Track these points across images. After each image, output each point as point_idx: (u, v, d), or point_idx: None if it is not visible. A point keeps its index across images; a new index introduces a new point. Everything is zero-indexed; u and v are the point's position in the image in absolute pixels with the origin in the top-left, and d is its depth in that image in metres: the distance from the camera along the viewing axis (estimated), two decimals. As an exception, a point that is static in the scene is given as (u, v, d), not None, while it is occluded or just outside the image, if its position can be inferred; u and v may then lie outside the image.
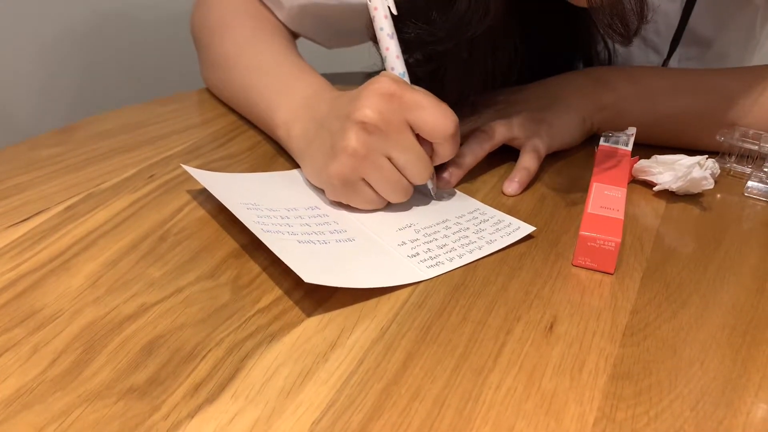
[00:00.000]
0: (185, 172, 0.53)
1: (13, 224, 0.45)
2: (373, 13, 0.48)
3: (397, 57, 0.48)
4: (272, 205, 0.46)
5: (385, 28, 0.47)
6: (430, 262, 0.42)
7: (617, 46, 0.62)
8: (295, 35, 0.66)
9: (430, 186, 0.50)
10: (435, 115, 0.44)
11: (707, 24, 0.65)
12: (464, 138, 0.53)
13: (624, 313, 0.40)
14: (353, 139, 0.44)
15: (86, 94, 1.04)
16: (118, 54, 1.06)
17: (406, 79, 0.48)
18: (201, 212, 0.47)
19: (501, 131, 0.53)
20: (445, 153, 0.46)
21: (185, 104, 0.66)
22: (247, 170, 0.54)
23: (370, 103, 0.44)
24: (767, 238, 0.49)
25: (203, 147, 0.57)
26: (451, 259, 0.43)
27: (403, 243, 0.44)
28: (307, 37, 0.67)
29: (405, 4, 0.48)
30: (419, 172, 0.46)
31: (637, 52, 0.66)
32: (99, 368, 0.34)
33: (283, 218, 0.44)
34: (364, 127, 0.44)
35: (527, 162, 0.53)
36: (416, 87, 0.46)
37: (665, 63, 0.67)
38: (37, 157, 0.54)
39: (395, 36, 0.48)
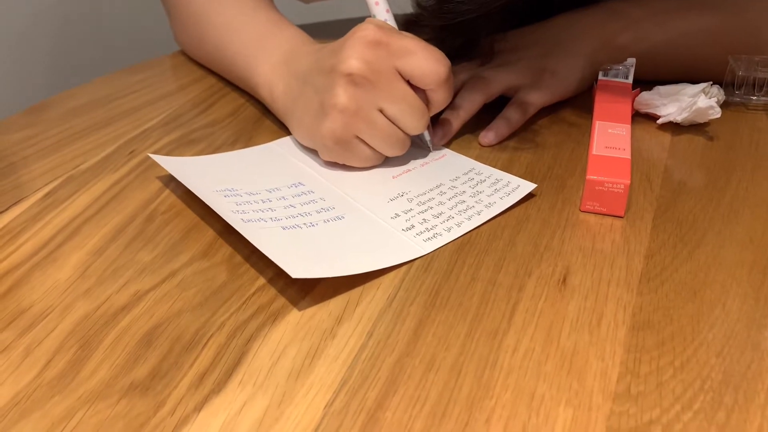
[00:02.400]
0: (167, 145, 0.50)
1: (-9, 217, 0.43)
2: None
3: (387, 11, 0.44)
4: (252, 187, 0.43)
5: None
6: (426, 235, 0.40)
7: None
8: None
9: (427, 137, 0.48)
10: (426, 60, 0.41)
11: None
12: (461, 87, 0.50)
13: (638, 258, 0.38)
14: (341, 94, 0.41)
15: (53, 67, 1.00)
16: (82, 20, 1.02)
17: (393, 24, 0.45)
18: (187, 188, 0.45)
19: (499, 80, 0.50)
20: (439, 100, 0.44)
21: (160, 70, 0.63)
22: (231, 137, 0.51)
23: (355, 52, 0.41)
24: (779, 164, 0.47)
25: (183, 115, 0.55)
26: (449, 229, 0.40)
27: (396, 215, 0.42)
28: None
29: None
30: (414, 121, 0.43)
31: None
32: (97, 366, 0.32)
33: (264, 202, 0.42)
34: (352, 79, 0.41)
35: (510, 113, 0.50)
36: (404, 32, 0.43)
37: None
38: (7, 142, 0.51)
39: None
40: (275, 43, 0.50)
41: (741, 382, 0.31)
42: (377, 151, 0.44)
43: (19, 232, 0.41)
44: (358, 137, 0.43)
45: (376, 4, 0.44)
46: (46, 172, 0.47)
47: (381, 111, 0.42)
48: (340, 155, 0.44)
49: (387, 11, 0.45)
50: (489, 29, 0.51)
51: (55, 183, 0.46)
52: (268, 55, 0.49)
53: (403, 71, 0.42)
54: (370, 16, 0.45)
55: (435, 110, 0.45)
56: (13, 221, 0.42)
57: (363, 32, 0.41)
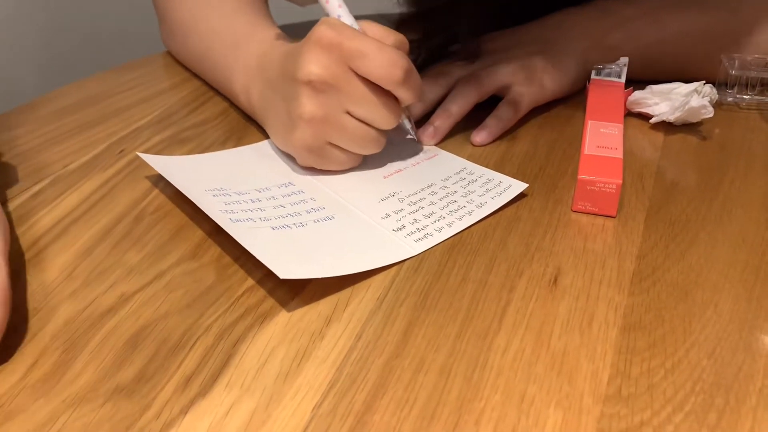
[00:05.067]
0: (157, 145, 0.50)
1: (-22, 217, 0.42)
2: None
3: (339, 6, 0.43)
4: (241, 187, 0.43)
5: None
6: (417, 235, 0.40)
7: None
8: None
9: (408, 126, 0.47)
10: (378, 63, 0.40)
11: None
12: (453, 86, 0.50)
13: (630, 258, 0.38)
14: (306, 103, 0.40)
15: (44, 65, 1.00)
16: (78, 19, 1.01)
17: (351, 21, 0.43)
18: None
19: (491, 79, 0.50)
20: (404, 98, 0.42)
21: (151, 69, 0.62)
22: (222, 136, 0.51)
23: (311, 57, 0.40)
24: (772, 164, 0.47)
25: (174, 115, 0.54)
26: (440, 229, 0.40)
27: (387, 215, 0.41)
28: None
29: None
30: (383, 119, 0.42)
31: None
32: (82, 369, 0.31)
33: (254, 201, 0.41)
34: (313, 86, 0.40)
35: (502, 111, 0.49)
36: (363, 27, 0.42)
37: None
38: (-3, 141, 0.51)
39: None
40: (250, 48, 0.49)
41: (732, 383, 0.30)
42: (353, 153, 0.44)
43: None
44: (330, 143, 0.42)
45: (327, 2, 0.43)
46: (36, 171, 0.47)
47: (349, 113, 0.41)
48: (316, 162, 0.44)
49: (340, 6, 0.43)
50: (476, 28, 0.51)
51: (45, 182, 0.45)
52: (243, 61, 0.49)
53: (359, 73, 0.41)
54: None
55: (405, 104, 0.44)
56: (0, 221, 0.42)
57: (317, 35, 0.40)
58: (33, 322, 0.34)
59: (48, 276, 0.37)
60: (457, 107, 0.49)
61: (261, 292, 0.36)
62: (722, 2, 0.54)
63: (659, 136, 0.50)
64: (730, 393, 0.30)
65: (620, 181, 0.40)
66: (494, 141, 0.50)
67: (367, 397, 0.30)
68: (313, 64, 0.40)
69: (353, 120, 0.42)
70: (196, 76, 0.60)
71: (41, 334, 0.33)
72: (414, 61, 0.42)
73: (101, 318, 0.34)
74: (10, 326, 0.34)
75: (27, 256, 0.39)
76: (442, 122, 0.49)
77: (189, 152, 0.49)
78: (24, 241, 0.40)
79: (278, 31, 0.51)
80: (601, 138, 0.44)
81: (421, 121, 0.50)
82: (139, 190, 0.44)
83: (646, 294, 0.35)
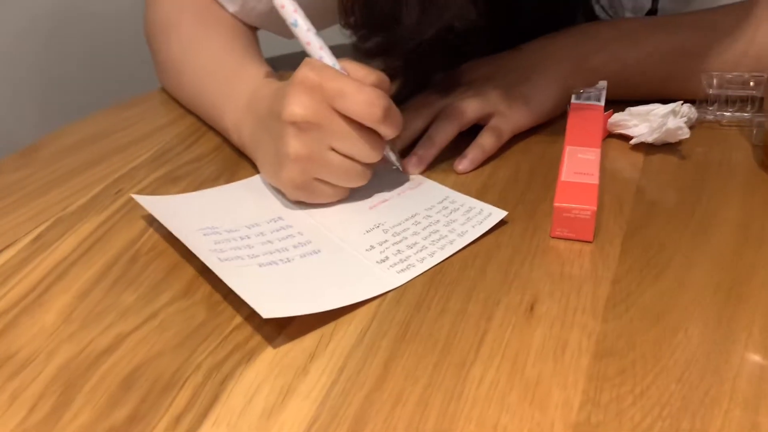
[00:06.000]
0: (152, 183, 0.52)
1: (-17, 262, 0.44)
2: (280, 11, 0.45)
3: (321, 48, 0.45)
4: (231, 224, 0.44)
5: (299, 23, 0.45)
6: (400, 266, 0.41)
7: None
8: (254, 27, 0.63)
9: (392, 158, 0.48)
10: (358, 103, 0.42)
11: None
12: (437, 116, 0.52)
13: (605, 283, 0.39)
14: (291, 143, 0.42)
15: (48, 100, 1.02)
16: (77, 56, 1.04)
17: (332, 61, 0.45)
18: (171, 225, 0.47)
19: (473, 108, 0.51)
20: (385, 134, 0.44)
21: (148, 106, 0.64)
22: (215, 172, 0.53)
23: (295, 99, 0.42)
24: (748, 183, 0.48)
25: (169, 152, 0.56)
26: (422, 260, 0.42)
27: (371, 247, 0.43)
28: (266, 29, 0.64)
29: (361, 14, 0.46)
30: (366, 153, 0.44)
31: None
32: (78, 410, 0.33)
33: (242, 239, 0.43)
34: (298, 126, 0.42)
35: (484, 139, 0.51)
36: (343, 67, 0.44)
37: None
38: (2, 184, 0.53)
39: (312, 27, 0.45)
40: (240, 87, 0.51)
41: (699, 408, 0.31)
42: (339, 187, 0.45)
43: (9, 276, 0.43)
44: (317, 179, 0.44)
45: (308, 44, 0.45)
46: (37, 215, 0.49)
47: (333, 149, 0.43)
48: (305, 197, 0.45)
49: (321, 48, 0.45)
50: (456, 57, 0.52)
51: (45, 225, 0.48)
52: (234, 100, 0.51)
53: (340, 111, 0.42)
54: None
55: (387, 139, 0.45)
56: (3, 265, 0.44)
57: (299, 77, 0.42)
58: (34, 365, 0.36)
59: (48, 319, 0.39)
60: (440, 137, 0.50)
61: (248, 329, 0.38)
62: (699, 21, 0.55)
63: (639, 157, 0.51)
64: (696, 417, 0.31)
65: (595, 208, 0.42)
66: (477, 168, 0.51)
67: (347, 431, 0.31)
68: (297, 104, 0.42)
69: (338, 156, 0.44)
70: (191, 111, 0.62)
71: (41, 377, 0.35)
72: (395, 97, 0.44)
73: (97, 359, 0.36)
74: (13, 369, 0.36)
75: (29, 299, 0.41)
76: (425, 151, 0.50)
77: (183, 190, 0.50)
78: (25, 285, 0.42)
79: (267, 68, 0.53)
80: (579, 164, 0.45)
81: (405, 151, 0.51)
82: (134, 231, 0.46)
83: (619, 320, 0.37)
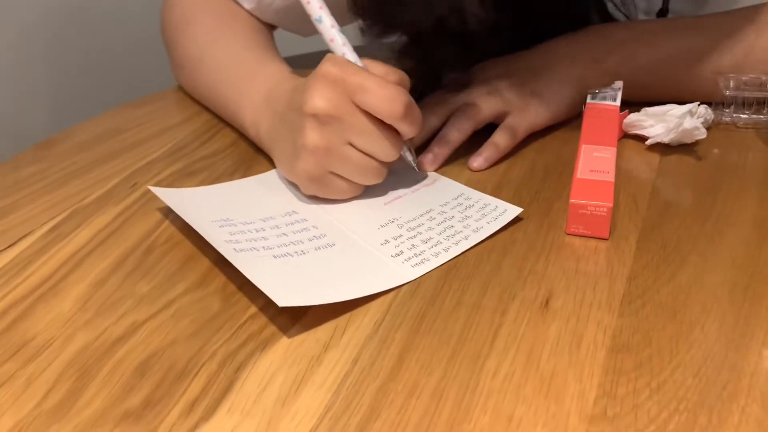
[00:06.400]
0: (168, 177, 0.52)
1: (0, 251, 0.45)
2: (306, 6, 0.45)
3: (344, 45, 0.45)
4: (247, 217, 0.45)
5: (324, 19, 0.45)
6: (414, 260, 0.41)
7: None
8: (271, 26, 0.64)
9: (409, 158, 0.48)
10: (380, 99, 0.42)
11: None
12: (452, 113, 0.52)
13: (621, 280, 0.39)
14: (310, 134, 0.42)
15: (66, 96, 1.03)
16: (91, 54, 1.05)
17: (354, 58, 0.45)
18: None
19: (488, 107, 0.51)
20: (405, 131, 0.44)
21: (163, 104, 0.65)
22: (231, 167, 0.53)
23: (317, 92, 0.42)
24: (764, 185, 0.47)
25: (185, 147, 0.57)
26: (436, 254, 0.41)
27: (386, 241, 0.43)
28: (282, 27, 0.65)
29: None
30: (384, 151, 0.44)
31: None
32: (93, 395, 0.33)
33: (258, 231, 0.43)
34: (318, 119, 0.42)
35: (498, 138, 0.51)
36: (365, 65, 0.44)
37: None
38: (19, 176, 0.53)
39: (336, 24, 0.45)
40: (258, 83, 0.51)
41: (716, 402, 0.31)
42: (354, 183, 0.45)
43: (26, 266, 0.43)
44: (332, 173, 0.44)
45: (332, 41, 0.45)
46: (54, 206, 0.49)
47: (352, 144, 0.43)
48: (319, 191, 0.45)
49: (344, 45, 0.45)
50: (470, 56, 0.52)
51: (61, 216, 0.48)
52: (252, 95, 0.51)
53: (361, 107, 0.42)
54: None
55: (406, 138, 0.45)
56: (20, 254, 0.44)
57: (322, 71, 0.42)
58: (50, 351, 0.36)
59: (64, 306, 0.39)
60: (454, 135, 0.50)
61: (263, 319, 0.38)
62: (715, 24, 0.55)
63: (655, 157, 0.51)
64: (713, 412, 0.31)
65: (611, 204, 0.41)
66: (491, 166, 0.51)
67: (361, 420, 0.31)
68: (318, 98, 0.42)
69: (355, 151, 0.44)
70: (206, 109, 0.62)
71: (57, 363, 0.35)
72: (414, 95, 0.44)
73: (113, 346, 0.36)
74: (29, 355, 0.36)
75: (45, 287, 0.41)
76: (440, 149, 0.50)
77: (199, 183, 0.51)
78: (42, 274, 0.42)
79: (285, 66, 0.53)
80: (594, 162, 0.45)
81: (419, 149, 0.51)
82: (150, 222, 0.47)
83: (635, 315, 0.36)
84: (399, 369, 0.34)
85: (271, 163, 0.52)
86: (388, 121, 0.43)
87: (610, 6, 0.58)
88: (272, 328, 0.37)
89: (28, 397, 0.33)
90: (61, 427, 0.32)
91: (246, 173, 0.52)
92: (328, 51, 0.46)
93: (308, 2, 0.45)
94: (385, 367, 0.34)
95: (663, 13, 0.60)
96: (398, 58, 0.50)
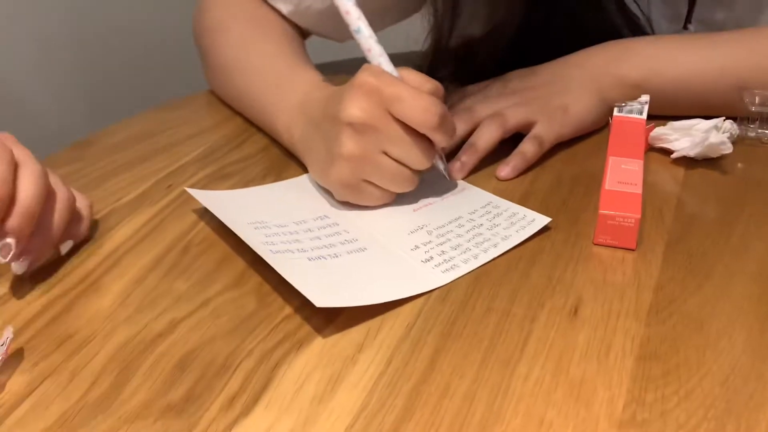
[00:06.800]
0: (201, 180, 0.53)
1: (40, 247, 0.46)
2: (345, 17, 0.46)
3: (380, 55, 0.46)
4: (280, 220, 0.46)
5: (362, 30, 0.46)
6: (444, 266, 0.42)
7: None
8: (304, 33, 0.65)
9: (441, 167, 0.49)
10: (415, 109, 0.43)
11: None
12: (480, 123, 0.53)
13: (648, 290, 0.40)
14: (346, 142, 0.44)
15: (98, 99, 1.06)
16: (127, 56, 1.07)
17: (390, 68, 0.46)
18: (221, 220, 0.48)
19: (516, 117, 0.52)
20: (438, 141, 0.45)
21: (195, 107, 0.66)
22: (263, 171, 0.54)
23: (353, 101, 0.43)
24: (791, 198, 0.48)
25: (217, 151, 0.58)
26: (466, 261, 0.42)
27: (416, 247, 0.44)
28: (318, 33, 0.66)
29: None
30: (418, 160, 0.45)
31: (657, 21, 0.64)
32: (136, 388, 0.35)
33: (291, 234, 0.44)
34: (354, 127, 0.43)
35: (526, 148, 0.52)
36: (402, 74, 0.45)
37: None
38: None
39: (374, 35, 0.47)
40: (293, 89, 0.53)
41: (743, 411, 0.32)
42: (387, 190, 0.46)
43: (66, 262, 0.44)
44: (366, 180, 0.45)
45: (369, 51, 0.47)
46: (91, 204, 0.51)
47: (386, 153, 0.44)
48: (352, 197, 0.47)
49: (380, 55, 0.46)
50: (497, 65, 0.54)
51: (100, 215, 0.49)
52: (287, 100, 0.53)
53: (396, 116, 0.44)
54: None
55: (440, 147, 0.47)
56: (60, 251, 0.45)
57: (359, 81, 0.44)
58: (92, 345, 0.37)
59: (104, 302, 0.41)
60: (482, 143, 0.51)
61: (298, 319, 0.39)
62: (740, 40, 0.56)
63: (680, 171, 0.52)
64: (741, 420, 0.31)
65: (639, 216, 0.42)
66: (518, 175, 0.52)
67: (395, 419, 0.32)
68: (355, 107, 0.43)
69: (389, 160, 0.45)
70: (237, 114, 0.63)
71: (99, 356, 0.37)
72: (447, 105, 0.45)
73: (153, 342, 0.37)
74: (72, 348, 0.37)
75: (86, 283, 0.42)
76: (468, 158, 0.51)
77: (231, 187, 0.52)
78: (82, 270, 0.44)
79: (318, 74, 0.54)
80: (622, 174, 0.46)
81: (447, 157, 0.52)
82: (185, 223, 0.48)
83: (663, 325, 0.37)
84: (431, 371, 0.35)
85: (302, 169, 0.53)
86: (422, 131, 0.44)
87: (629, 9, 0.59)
88: (307, 328, 0.38)
89: (73, 388, 0.35)
90: (106, 417, 0.33)
91: (277, 178, 0.53)
92: (351, 60, 0.48)
93: (347, 12, 0.46)
94: (418, 369, 0.35)
95: (688, 18, 0.60)
96: (430, 67, 0.51)
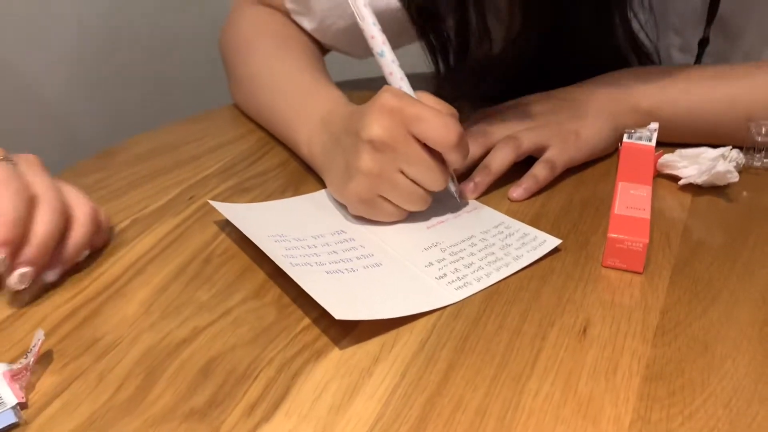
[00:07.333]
0: (222, 192, 0.55)
1: (67, 254, 0.47)
2: (370, 41, 0.48)
3: (401, 79, 0.49)
4: (299, 234, 0.48)
5: (386, 53, 0.48)
6: (458, 284, 0.44)
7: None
8: (325, 50, 0.67)
9: (452, 188, 0.51)
10: (435, 128, 0.45)
11: (736, 12, 0.64)
12: (494, 146, 0.54)
13: (654, 312, 0.41)
14: (365, 159, 0.45)
15: (125, 109, 1.09)
16: (156, 69, 1.10)
17: (410, 91, 0.48)
18: (242, 233, 0.50)
19: (529, 140, 0.54)
20: (454, 161, 0.47)
21: (217, 121, 0.68)
22: (282, 186, 0.56)
23: (374, 120, 0.45)
24: (795, 227, 0.50)
25: (237, 164, 0.60)
26: (479, 279, 0.44)
27: (430, 264, 0.45)
28: (338, 50, 0.68)
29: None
30: (433, 181, 0.47)
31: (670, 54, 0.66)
32: (161, 392, 0.36)
33: (310, 248, 0.46)
34: (374, 145, 0.45)
35: (538, 171, 0.53)
36: (420, 97, 0.47)
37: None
38: (82, 184, 0.56)
39: (396, 59, 0.49)
40: (315, 104, 0.55)
41: (746, 432, 0.33)
42: (401, 208, 0.48)
43: (91, 270, 0.46)
44: (381, 196, 0.47)
45: (391, 74, 0.49)
46: (116, 213, 0.52)
47: (402, 172, 0.46)
48: (366, 212, 0.48)
49: (401, 79, 0.49)
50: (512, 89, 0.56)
51: (124, 224, 0.51)
52: (308, 115, 0.55)
53: (417, 136, 0.45)
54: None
55: (454, 167, 0.48)
56: (87, 259, 0.47)
57: (381, 101, 0.46)
58: (119, 349, 0.39)
59: (130, 308, 0.42)
60: (496, 166, 0.53)
61: (316, 331, 0.40)
62: (751, 72, 0.57)
63: (687, 197, 0.53)
64: (743, 441, 0.33)
65: (647, 240, 0.44)
66: (530, 197, 0.53)
67: (410, 430, 0.34)
68: (376, 125, 0.45)
69: (405, 179, 0.47)
70: (258, 128, 0.65)
71: (126, 360, 0.38)
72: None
73: (177, 348, 0.39)
74: (99, 351, 0.39)
75: (111, 290, 0.44)
76: (482, 179, 0.53)
77: (252, 200, 0.54)
78: (108, 276, 0.45)
79: (339, 91, 0.56)
80: (631, 199, 0.48)
81: (461, 177, 0.54)
82: (207, 234, 0.50)
83: (668, 347, 0.39)
84: (445, 384, 0.36)
85: (320, 183, 0.55)
86: (440, 149, 0.46)
87: (642, 35, 0.61)
88: (325, 339, 0.40)
89: (101, 390, 0.36)
90: (132, 419, 0.34)
91: (296, 192, 0.55)
92: (368, 80, 0.49)
93: (372, 37, 0.48)
94: (432, 382, 0.36)
95: (704, 43, 0.62)
96: (439, 87, 0.53)
